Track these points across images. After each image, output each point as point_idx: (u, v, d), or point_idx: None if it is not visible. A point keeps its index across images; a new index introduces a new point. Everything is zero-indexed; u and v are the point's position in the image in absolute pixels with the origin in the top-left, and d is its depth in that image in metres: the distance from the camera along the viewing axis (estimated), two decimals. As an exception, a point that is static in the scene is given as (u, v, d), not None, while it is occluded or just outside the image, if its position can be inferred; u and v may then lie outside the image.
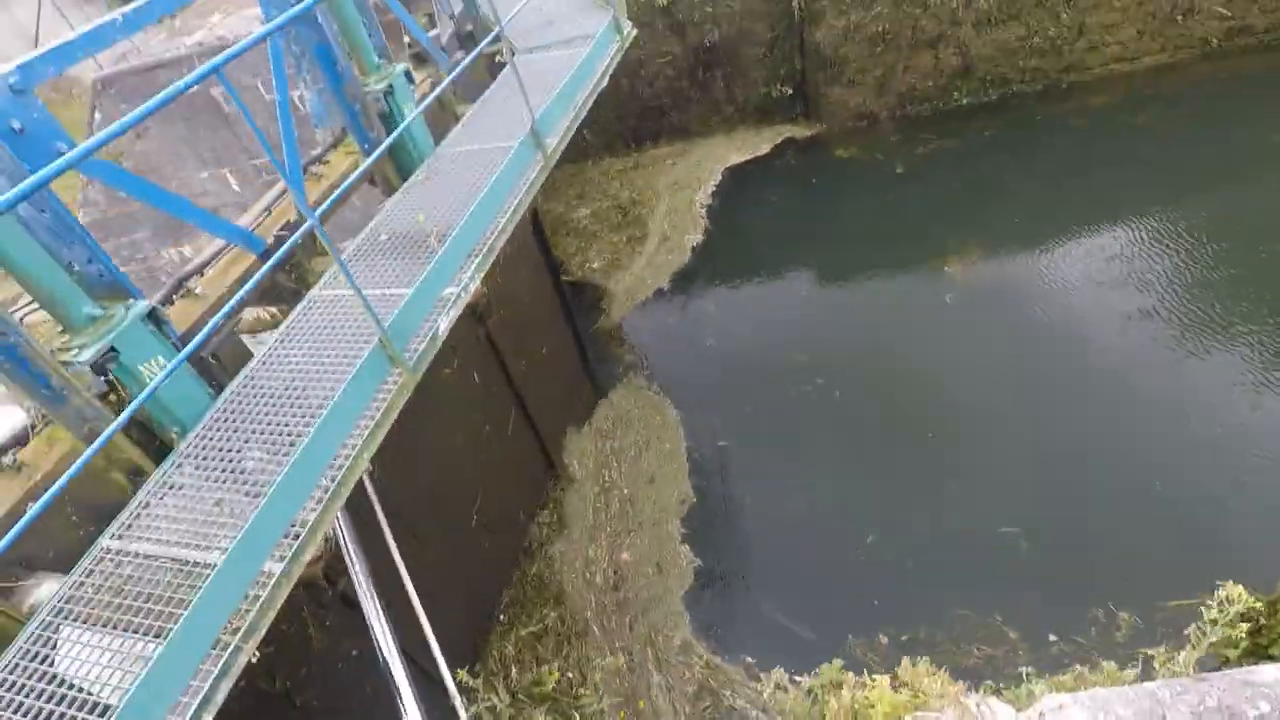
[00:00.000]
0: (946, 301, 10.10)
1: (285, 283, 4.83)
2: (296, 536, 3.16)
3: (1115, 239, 10.22)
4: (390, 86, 5.48)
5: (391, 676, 3.75)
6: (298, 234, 3.36)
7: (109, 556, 3.35)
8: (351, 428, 3.45)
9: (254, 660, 2.85)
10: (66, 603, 3.21)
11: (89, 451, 2.68)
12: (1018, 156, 12.42)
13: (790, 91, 14.75)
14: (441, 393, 6.31)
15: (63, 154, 3.41)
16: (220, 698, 2.76)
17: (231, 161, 11.94)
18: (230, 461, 3.67)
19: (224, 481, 3.59)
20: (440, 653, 3.79)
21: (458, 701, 3.47)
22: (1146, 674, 3.27)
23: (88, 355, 3.44)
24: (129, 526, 3.48)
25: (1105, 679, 2.98)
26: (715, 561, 8.18)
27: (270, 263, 3.22)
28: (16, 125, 3.33)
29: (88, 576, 3.29)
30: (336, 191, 3.68)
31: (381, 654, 3.82)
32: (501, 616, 7.58)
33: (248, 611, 2.92)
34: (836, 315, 10.74)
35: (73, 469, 2.64)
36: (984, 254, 10.60)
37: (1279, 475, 7.17)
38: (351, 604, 5.23)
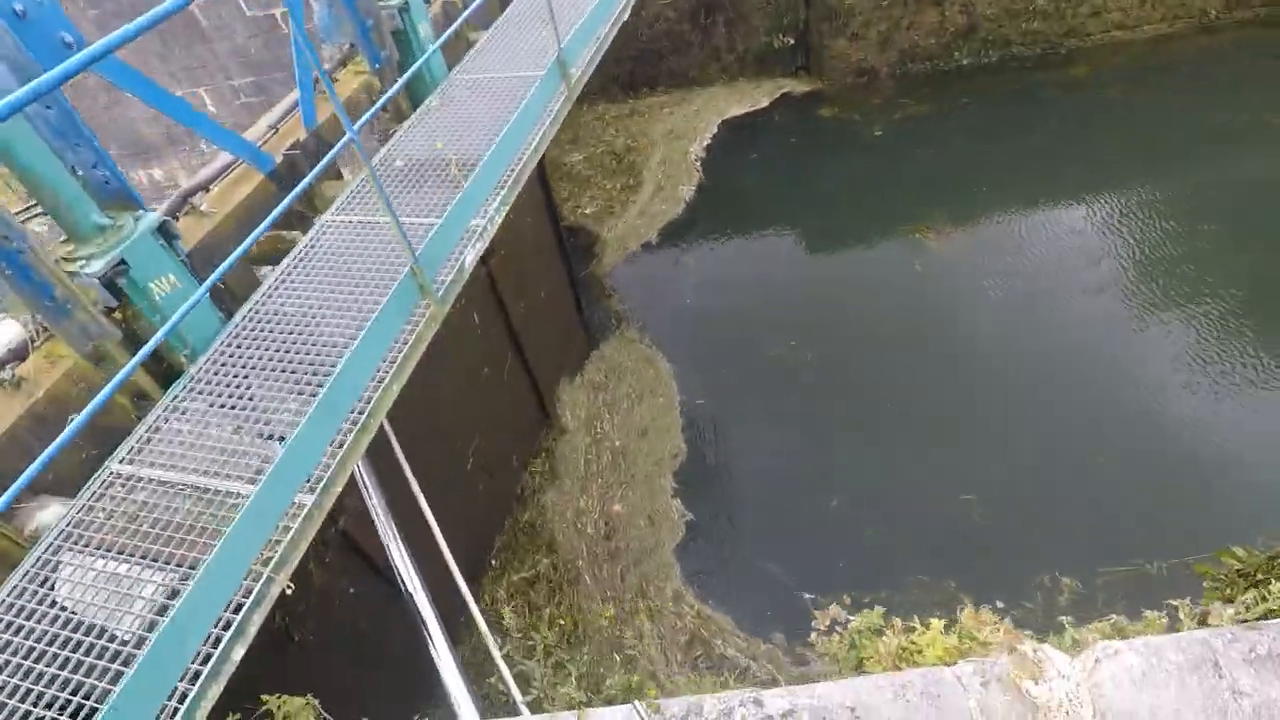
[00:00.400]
0: (916, 269, 10.15)
1: (294, 206, 4.58)
2: (327, 468, 3.03)
3: (1085, 212, 10.32)
4: (405, 2, 5.18)
5: (416, 609, 3.68)
6: (337, 148, 3.15)
7: (119, 481, 3.19)
8: (380, 358, 3.30)
9: (289, 591, 2.74)
10: (75, 528, 3.05)
11: (111, 386, 2.52)
12: (1003, 124, 12.44)
13: (792, 42, 14.47)
14: (442, 330, 6.13)
15: (67, 44, 3.16)
16: (252, 630, 2.65)
17: (208, 80, 11.34)
18: (244, 388, 3.50)
19: (239, 409, 3.43)
20: (469, 591, 3.71)
21: (490, 641, 3.42)
22: (1173, 625, 3.33)
23: (96, 267, 3.22)
24: (139, 451, 3.31)
25: (1144, 628, 3.02)
26: (706, 517, 8.21)
27: (301, 186, 3.03)
28: (19, 8, 3.04)
29: (97, 501, 3.13)
30: (373, 108, 3.46)
31: (405, 585, 3.74)
32: (494, 561, 7.54)
33: (278, 543, 2.80)
34: (816, 278, 10.74)
35: (95, 402, 2.49)
36: (955, 222, 10.64)
37: (1222, 450, 7.39)
38: (352, 542, 5.14)
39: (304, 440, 2.80)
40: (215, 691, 2.51)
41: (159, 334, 2.64)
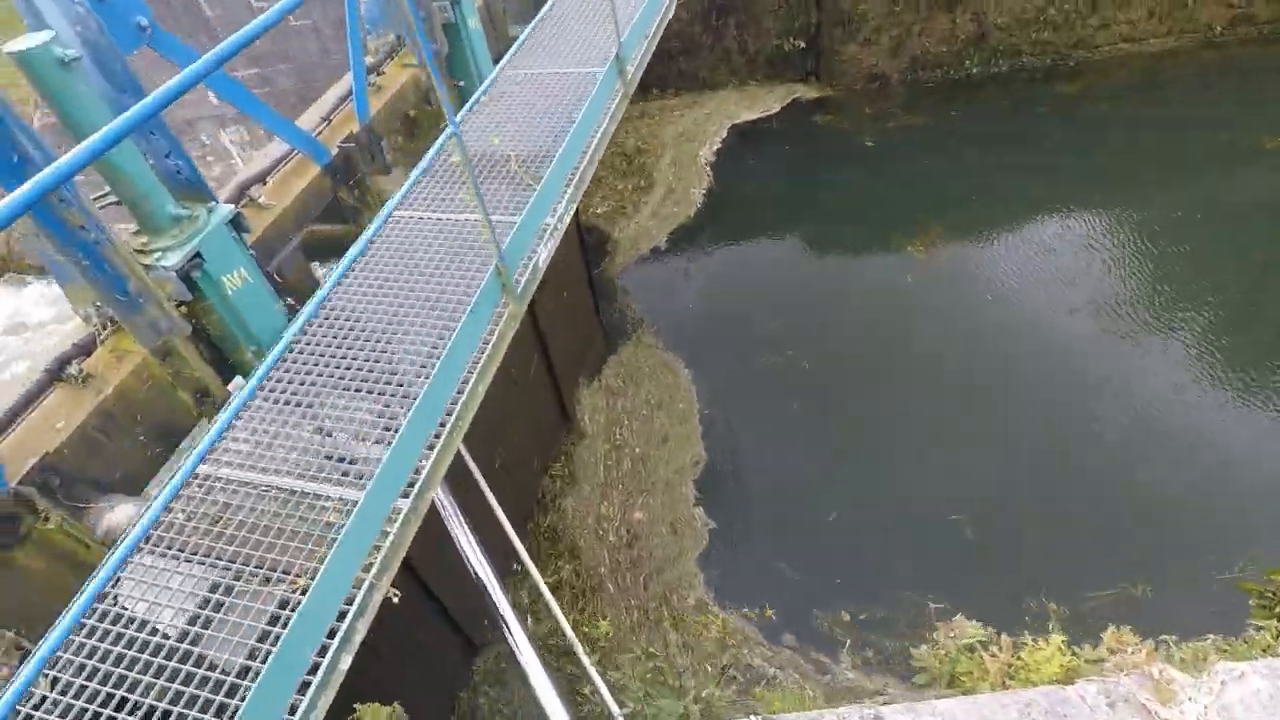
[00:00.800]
0: (908, 280, 10.27)
1: (347, 199, 4.52)
2: (420, 471, 2.97)
3: (1081, 228, 10.46)
4: (458, -6, 5.13)
5: (492, 602, 3.65)
6: (439, 143, 3.10)
7: (196, 481, 3.10)
8: (468, 358, 3.24)
9: (395, 599, 2.68)
10: (154, 529, 2.96)
11: (230, 411, 2.43)
12: (1009, 136, 12.60)
13: (803, 46, 14.56)
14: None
15: (142, 27, 3.08)
16: (358, 639, 2.59)
17: (212, 70, 11.12)
18: (316, 386, 3.42)
19: (313, 408, 3.35)
20: (551, 596, 3.66)
21: (579, 648, 3.36)
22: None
23: (173, 260, 3.14)
24: (212, 453, 3.22)
25: (1251, 648, 3.04)
26: (729, 526, 8.19)
27: (406, 189, 2.96)
28: (102, -11, 2.96)
29: (175, 502, 3.04)
30: (472, 98, 3.40)
31: (475, 572, 3.71)
32: (515, 566, 7.46)
33: (378, 548, 2.73)
34: (824, 289, 10.81)
35: (211, 436, 2.40)
36: (960, 233, 10.77)
37: (1211, 474, 7.51)
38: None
39: (404, 443, 2.74)
40: (325, 702, 2.44)
41: (263, 367, 2.56)
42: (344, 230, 4.59)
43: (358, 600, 2.62)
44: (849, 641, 7.05)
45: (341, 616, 2.57)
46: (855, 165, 12.74)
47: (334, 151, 4.44)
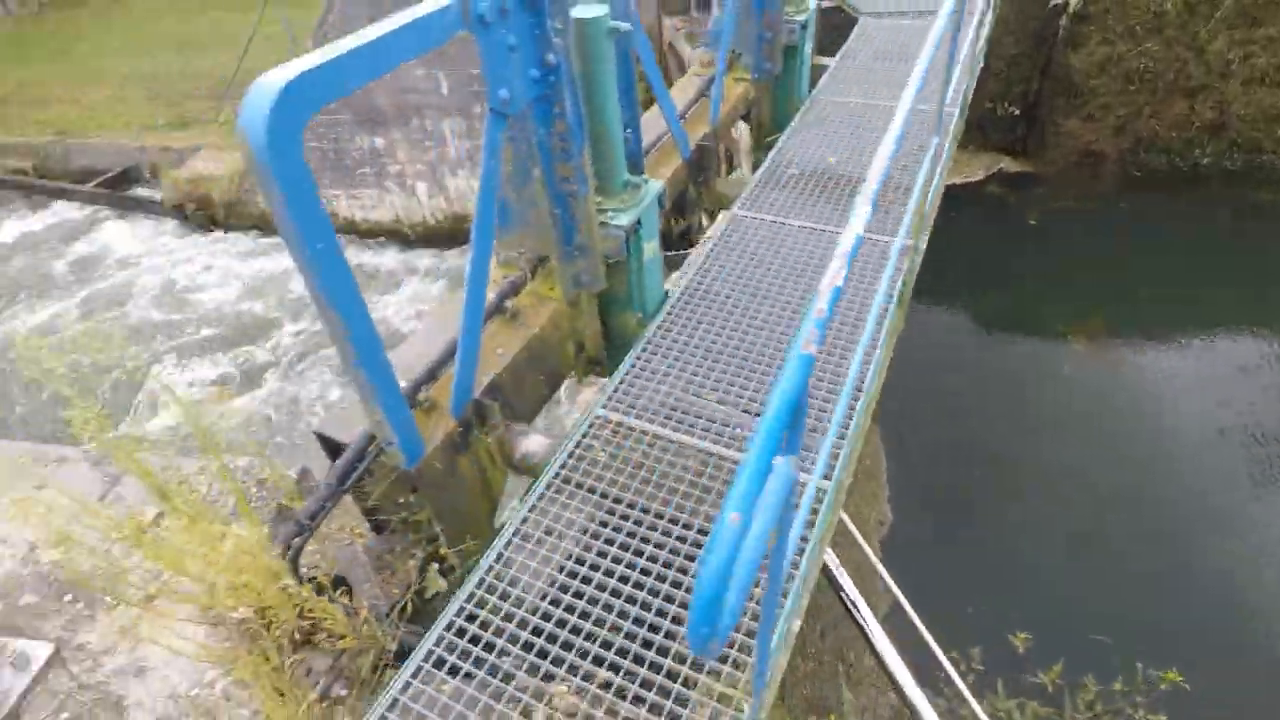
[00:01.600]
0: (1066, 370, 10.08)
1: (693, 195, 4.94)
2: (835, 457, 3.25)
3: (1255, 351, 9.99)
4: (806, 21, 5.56)
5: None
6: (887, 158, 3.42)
7: (609, 428, 3.46)
8: (879, 360, 3.53)
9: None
10: (573, 462, 3.32)
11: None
12: (1241, 237, 12.23)
13: (1017, 113, 14.67)
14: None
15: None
16: (804, 604, 2.85)
17: (447, 65, 11.96)
18: (704, 359, 3.76)
19: (706, 378, 3.67)
20: (922, 625, 3.87)
21: (965, 689, 3.54)
22: None
23: (626, 220, 3.56)
24: (618, 402, 3.59)
25: None
26: (912, 590, 8.18)
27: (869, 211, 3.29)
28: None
29: (594, 441, 3.40)
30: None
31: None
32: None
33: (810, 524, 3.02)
34: (987, 360, 10.83)
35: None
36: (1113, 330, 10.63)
37: None
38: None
39: (839, 430, 3.02)
40: (782, 662, 2.72)
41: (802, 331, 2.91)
42: (680, 222, 5.02)
43: (802, 567, 2.89)
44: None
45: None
46: (1026, 243, 12.66)
47: (692, 147, 4.88)
